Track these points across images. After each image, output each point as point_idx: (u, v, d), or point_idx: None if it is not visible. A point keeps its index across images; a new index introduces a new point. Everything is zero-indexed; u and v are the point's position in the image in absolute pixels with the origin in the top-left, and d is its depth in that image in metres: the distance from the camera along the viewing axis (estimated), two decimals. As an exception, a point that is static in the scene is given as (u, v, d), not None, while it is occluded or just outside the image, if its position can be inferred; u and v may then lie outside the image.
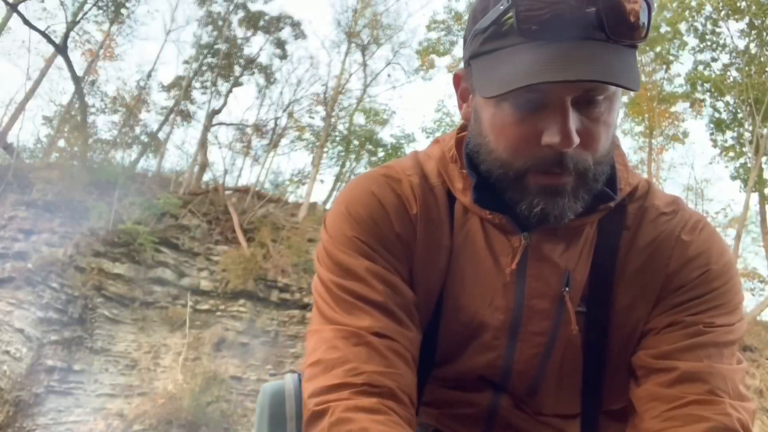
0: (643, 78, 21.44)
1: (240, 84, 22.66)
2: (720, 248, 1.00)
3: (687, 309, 0.96)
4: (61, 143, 20.57)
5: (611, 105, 0.90)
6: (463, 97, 1.01)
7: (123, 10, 20.79)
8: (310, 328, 0.99)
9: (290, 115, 22.46)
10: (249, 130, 22.64)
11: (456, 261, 1.02)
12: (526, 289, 0.99)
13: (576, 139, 0.85)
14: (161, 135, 21.86)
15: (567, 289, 0.98)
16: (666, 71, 21.36)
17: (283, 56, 22.61)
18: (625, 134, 22.87)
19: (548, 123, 0.85)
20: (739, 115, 19.13)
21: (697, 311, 0.95)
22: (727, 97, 19.42)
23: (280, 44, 22.56)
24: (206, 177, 20.46)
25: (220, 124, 22.34)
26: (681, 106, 21.62)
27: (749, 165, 18.12)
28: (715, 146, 20.30)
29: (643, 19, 0.86)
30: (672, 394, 0.90)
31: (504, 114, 0.90)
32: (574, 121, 0.86)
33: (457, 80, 1.01)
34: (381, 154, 22.40)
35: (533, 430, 1.06)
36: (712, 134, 20.26)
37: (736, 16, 18.60)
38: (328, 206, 18.96)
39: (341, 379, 0.87)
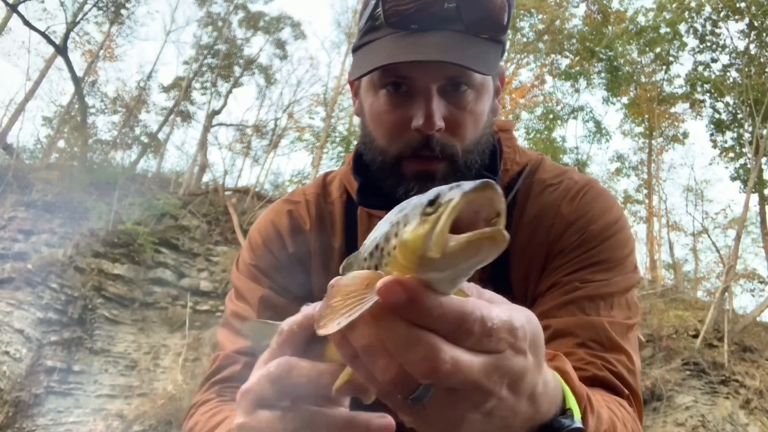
0: (643, 79, 21.45)
1: (240, 84, 22.73)
2: (602, 208, 1.05)
3: (564, 270, 1.00)
4: (61, 144, 20.62)
5: (479, 96, 0.98)
6: (354, 93, 1.10)
7: (123, 11, 20.80)
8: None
9: (290, 115, 22.48)
10: (249, 131, 22.66)
11: None
12: None
13: (439, 123, 0.93)
14: (161, 135, 21.91)
15: None
16: (666, 72, 21.40)
17: (283, 57, 22.65)
18: (625, 135, 22.90)
19: (415, 109, 0.94)
20: (739, 116, 19.13)
21: (573, 270, 0.99)
22: (727, 98, 19.43)
23: (280, 45, 22.59)
24: (206, 177, 20.49)
25: (220, 124, 22.38)
26: (681, 107, 21.67)
27: (749, 166, 18.12)
28: (714, 147, 20.34)
29: (502, 15, 0.95)
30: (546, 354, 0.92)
31: (380, 102, 0.98)
32: (439, 107, 0.94)
33: (351, 78, 1.08)
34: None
35: None
36: (712, 135, 20.29)
37: (736, 17, 18.61)
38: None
39: (203, 395, 1.03)
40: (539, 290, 1.02)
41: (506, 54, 1.02)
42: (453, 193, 0.47)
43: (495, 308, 0.49)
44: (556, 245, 1.03)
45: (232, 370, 1.03)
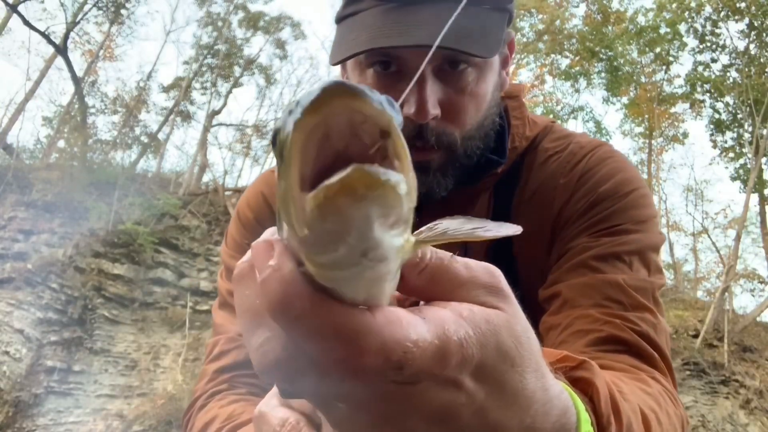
0: (643, 79, 21.44)
1: (240, 84, 22.71)
2: (613, 168, 0.93)
3: (574, 237, 0.90)
4: (61, 144, 20.59)
5: (481, 74, 0.85)
6: (343, 66, 0.97)
7: (123, 11, 20.80)
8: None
9: (290, 115, 22.46)
10: (249, 131, 22.67)
11: None
12: None
13: (434, 111, 0.81)
14: (161, 135, 21.91)
15: None
16: (666, 72, 21.38)
17: (283, 57, 22.65)
18: (625, 135, 22.89)
19: (407, 93, 0.80)
20: (739, 116, 19.13)
21: (584, 235, 0.88)
22: (727, 98, 19.43)
23: (280, 45, 22.59)
24: (206, 177, 20.49)
25: (220, 124, 22.38)
26: (681, 107, 21.66)
27: (749, 166, 18.12)
28: (714, 147, 20.34)
29: None
30: (560, 319, 0.83)
31: (367, 83, 0.85)
32: (434, 91, 0.81)
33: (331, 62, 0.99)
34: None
35: None
36: (711, 135, 20.29)
37: (736, 17, 18.60)
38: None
39: (208, 385, 0.95)
40: (550, 264, 0.91)
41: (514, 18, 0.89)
42: (290, 121, 0.28)
43: (423, 323, 0.33)
44: (562, 215, 0.92)
45: (237, 354, 0.94)
